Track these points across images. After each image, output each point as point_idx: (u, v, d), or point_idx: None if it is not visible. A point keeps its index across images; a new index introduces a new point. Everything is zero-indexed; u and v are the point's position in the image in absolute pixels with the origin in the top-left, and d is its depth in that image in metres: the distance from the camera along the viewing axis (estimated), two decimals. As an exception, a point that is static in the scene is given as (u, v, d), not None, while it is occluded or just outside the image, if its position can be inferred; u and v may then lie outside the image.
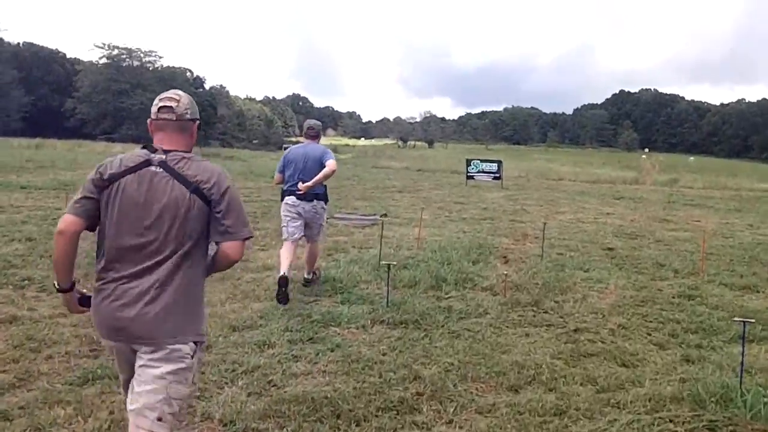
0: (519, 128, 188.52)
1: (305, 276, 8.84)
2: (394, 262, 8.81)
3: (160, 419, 3.18)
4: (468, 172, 32.36)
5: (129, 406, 3.22)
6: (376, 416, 4.77)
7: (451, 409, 4.94)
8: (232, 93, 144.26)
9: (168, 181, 3.20)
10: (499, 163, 32.40)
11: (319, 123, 8.84)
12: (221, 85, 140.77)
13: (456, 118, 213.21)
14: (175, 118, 3.31)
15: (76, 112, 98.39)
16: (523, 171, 44.59)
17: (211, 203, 3.24)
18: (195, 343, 3.30)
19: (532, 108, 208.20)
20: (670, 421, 4.76)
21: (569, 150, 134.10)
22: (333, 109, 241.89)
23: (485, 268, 10.23)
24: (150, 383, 3.17)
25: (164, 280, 3.17)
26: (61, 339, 6.11)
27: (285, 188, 8.35)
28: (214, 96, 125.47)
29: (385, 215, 16.68)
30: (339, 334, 6.72)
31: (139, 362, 3.22)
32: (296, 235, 8.36)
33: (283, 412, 4.73)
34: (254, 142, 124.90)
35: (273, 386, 5.27)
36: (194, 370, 3.32)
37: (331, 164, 8.17)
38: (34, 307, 7.15)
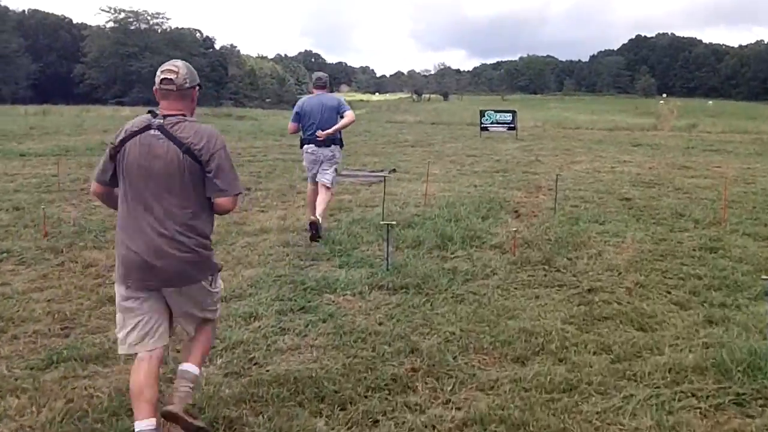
0: (535, 77, 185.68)
1: (311, 217, 8.73)
2: (394, 222, 8.28)
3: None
4: (482, 123, 31.60)
5: (161, 342, 3.81)
6: (365, 397, 4.29)
7: (449, 387, 4.46)
8: (243, 52, 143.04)
9: (164, 143, 3.61)
10: (514, 113, 31.64)
11: (326, 74, 9.38)
12: (232, 45, 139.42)
13: (471, 69, 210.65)
14: (175, 89, 3.70)
15: (85, 77, 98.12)
16: (539, 121, 43.74)
17: (201, 163, 3.65)
18: (211, 275, 3.90)
19: (548, 56, 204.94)
20: (693, 395, 4.26)
21: (586, 98, 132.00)
22: (346, 64, 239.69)
23: (495, 224, 9.71)
24: (188, 309, 3.90)
25: (176, 231, 3.66)
26: (32, 316, 5.69)
27: (303, 137, 9.00)
28: (225, 56, 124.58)
29: (394, 171, 16.15)
30: (333, 302, 6.25)
31: (173, 297, 3.81)
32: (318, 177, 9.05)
33: (260, 396, 4.26)
34: (267, 100, 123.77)
35: (254, 364, 4.82)
36: (214, 291, 3.96)
37: (349, 115, 8.94)
38: (8, 281, 6.74)
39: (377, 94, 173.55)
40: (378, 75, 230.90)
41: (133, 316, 3.70)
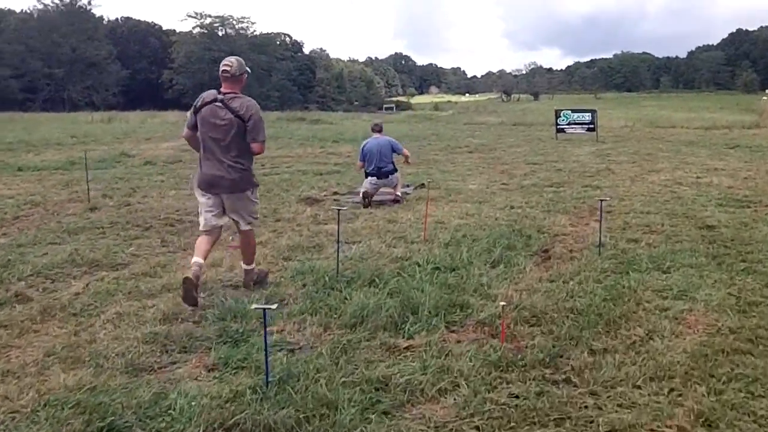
0: (630, 75, 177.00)
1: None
2: (274, 306, 5.61)
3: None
4: (558, 124, 28.44)
5: (221, 222, 6.39)
6: None
7: None
8: (333, 56, 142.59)
9: (224, 110, 6.03)
10: (593, 112, 28.21)
11: (381, 121, 13.24)
12: (321, 49, 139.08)
13: (564, 68, 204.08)
14: (230, 75, 6.09)
15: (174, 83, 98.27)
16: (630, 120, 40.03)
17: (244, 121, 6.04)
18: (251, 189, 6.37)
19: (644, 53, 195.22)
20: None
21: (683, 95, 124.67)
22: (436, 66, 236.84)
23: (505, 276, 6.70)
24: (237, 209, 6.31)
25: (233, 162, 6.11)
26: None
27: (367, 171, 11.72)
28: (314, 60, 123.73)
29: (423, 186, 13.23)
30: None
31: (228, 201, 6.26)
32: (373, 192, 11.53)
33: None
34: (355, 103, 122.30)
35: None
36: (254, 198, 6.46)
37: (405, 151, 12.22)
38: None
39: (467, 95, 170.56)
40: (469, 76, 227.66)
41: (204, 205, 6.29)
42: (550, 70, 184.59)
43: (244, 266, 6.42)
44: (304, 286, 6.35)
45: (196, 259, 6.00)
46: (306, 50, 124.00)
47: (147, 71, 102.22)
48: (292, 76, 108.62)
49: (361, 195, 11.30)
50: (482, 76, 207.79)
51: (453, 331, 5.24)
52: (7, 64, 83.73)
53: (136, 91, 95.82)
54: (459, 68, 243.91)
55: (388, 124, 45.93)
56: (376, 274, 6.55)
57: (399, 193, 11.76)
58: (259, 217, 6.67)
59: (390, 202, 11.51)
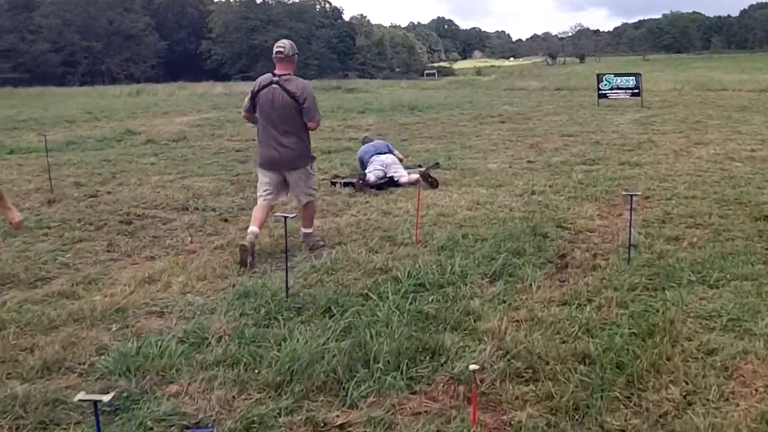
0: (679, 35, 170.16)
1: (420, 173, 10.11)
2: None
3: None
4: (600, 90, 26.53)
5: (276, 200, 6.91)
6: None
7: None
8: (374, 22, 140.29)
9: (280, 92, 6.44)
10: (637, 76, 26.18)
11: (367, 136, 12.38)
12: (362, 15, 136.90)
13: (611, 29, 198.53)
14: (283, 56, 6.48)
15: (212, 53, 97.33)
16: (678, 82, 37.66)
17: (300, 103, 6.45)
18: (310, 164, 6.88)
19: (694, 12, 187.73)
20: None
21: (736, 56, 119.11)
22: (480, 30, 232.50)
23: (503, 297, 5.23)
24: (300, 182, 6.76)
25: (292, 141, 6.58)
26: None
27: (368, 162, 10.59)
28: (354, 26, 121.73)
29: (437, 165, 11.75)
30: None
31: (289, 176, 6.73)
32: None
33: None
34: (396, 70, 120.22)
35: None
36: (312, 172, 6.95)
37: (399, 154, 11.10)
38: None
39: (512, 59, 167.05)
40: (514, 39, 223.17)
41: (263, 184, 6.80)
42: (596, 31, 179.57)
43: (304, 230, 6.95)
44: (241, 315, 4.95)
45: (252, 228, 6.52)
46: (346, 17, 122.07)
47: (186, 42, 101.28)
48: (331, 44, 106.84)
49: (357, 179, 10.02)
50: (527, 39, 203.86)
51: (414, 393, 3.80)
52: (46, 38, 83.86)
53: (176, 63, 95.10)
54: (503, 32, 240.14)
55: (426, 91, 44.59)
56: (335, 299, 5.12)
57: (413, 176, 10.08)
58: (317, 188, 7.43)
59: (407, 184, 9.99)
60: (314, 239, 6.90)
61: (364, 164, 10.54)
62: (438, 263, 5.96)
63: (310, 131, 6.76)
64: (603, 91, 26.29)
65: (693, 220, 7.37)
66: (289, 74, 6.52)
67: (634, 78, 26.13)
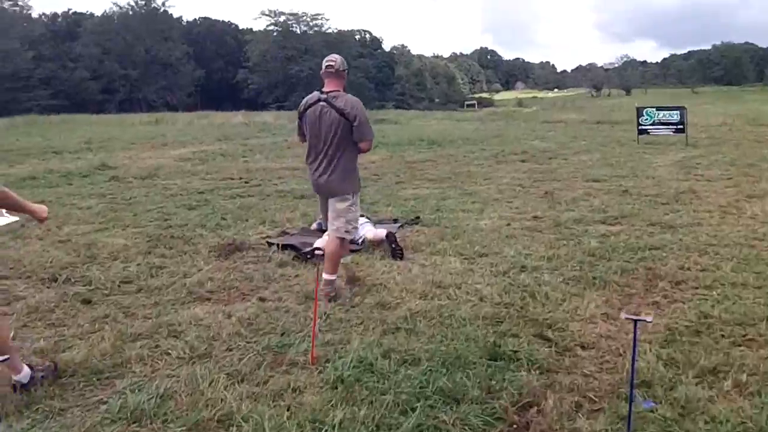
0: (730, 67, 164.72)
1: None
2: None
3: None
4: (640, 125, 23.94)
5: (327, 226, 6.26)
6: None
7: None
8: (416, 52, 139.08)
9: (328, 109, 5.80)
10: (682, 110, 23.53)
11: None
12: (402, 45, 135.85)
13: (660, 60, 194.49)
14: (334, 71, 5.86)
15: (249, 82, 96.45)
16: (729, 116, 34.92)
17: (350, 120, 5.78)
18: (353, 194, 6.04)
19: (746, 43, 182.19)
20: None
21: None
22: (523, 60, 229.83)
23: None
24: (337, 212, 6.00)
25: (335, 164, 5.89)
26: None
27: None
28: (394, 56, 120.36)
29: (417, 220, 9.45)
30: None
31: (329, 204, 6.04)
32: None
33: None
34: (436, 101, 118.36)
35: None
36: (353, 205, 6.06)
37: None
38: None
39: (555, 90, 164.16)
40: (558, 70, 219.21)
41: (321, 209, 6.35)
42: (644, 63, 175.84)
43: (325, 276, 5.98)
44: None
45: (326, 276, 5.96)
46: (386, 47, 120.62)
47: (223, 71, 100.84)
48: (370, 74, 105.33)
49: (309, 249, 7.45)
50: (572, 70, 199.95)
51: None
52: (86, 66, 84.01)
53: (214, 91, 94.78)
54: (548, 62, 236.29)
55: (459, 123, 42.24)
56: None
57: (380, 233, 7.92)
58: (356, 226, 6.30)
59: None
60: (336, 287, 6.03)
61: (324, 227, 8.14)
62: (312, 419, 3.63)
63: (360, 153, 6.09)
64: (644, 127, 23.77)
65: (743, 332, 4.91)
66: (338, 90, 5.92)
67: (678, 112, 23.53)
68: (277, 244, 7.83)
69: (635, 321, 3.42)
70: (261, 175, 15.27)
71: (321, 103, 5.85)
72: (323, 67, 5.91)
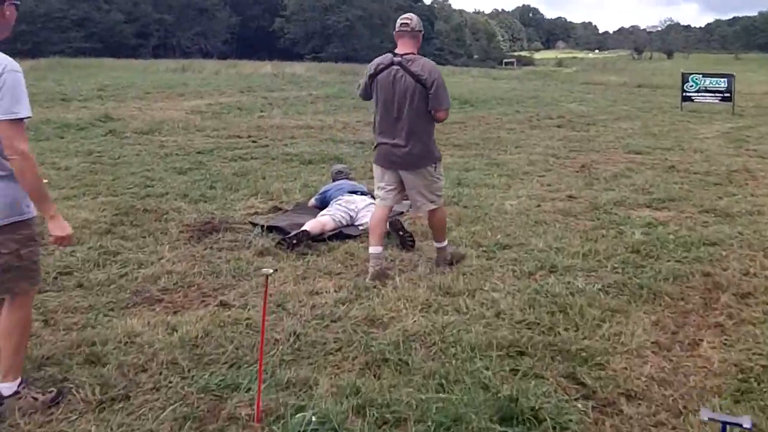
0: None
1: None
2: None
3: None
4: (684, 91, 22.50)
5: (395, 201, 5.68)
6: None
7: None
8: (457, 6, 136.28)
9: (403, 74, 5.25)
10: (730, 78, 22.03)
11: (345, 167, 8.66)
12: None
13: (703, 25, 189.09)
14: (409, 30, 5.33)
15: (285, 31, 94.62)
16: (776, 85, 33.14)
17: (426, 87, 5.23)
18: (434, 164, 5.49)
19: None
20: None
21: None
22: (565, 20, 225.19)
23: None
24: (416, 187, 5.46)
25: (414, 135, 5.33)
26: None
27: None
28: (433, 10, 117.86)
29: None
30: None
31: (405, 177, 5.45)
32: None
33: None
34: (475, 57, 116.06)
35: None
36: (436, 176, 5.54)
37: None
38: None
39: (597, 51, 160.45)
40: (600, 31, 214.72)
41: (380, 180, 5.58)
42: (687, 27, 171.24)
43: (436, 244, 5.78)
44: None
45: (373, 250, 5.45)
46: (427, 0, 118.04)
47: (260, 18, 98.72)
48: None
49: (297, 233, 6.25)
50: (614, 31, 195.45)
51: None
52: (120, 8, 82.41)
53: (250, 39, 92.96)
54: (590, 23, 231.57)
55: (496, 82, 40.58)
56: None
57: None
58: (442, 193, 5.71)
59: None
60: (450, 252, 5.79)
61: (324, 203, 7.39)
62: None
63: (436, 123, 5.56)
64: (688, 93, 22.33)
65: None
66: (413, 53, 5.37)
67: (725, 80, 22.02)
68: (262, 226, 6.66)
69: (724, 425, 2.18)
70: (272, 133, 14.09)
71: (395, 66, 5.33)
72: (397, 26, 5.41)
